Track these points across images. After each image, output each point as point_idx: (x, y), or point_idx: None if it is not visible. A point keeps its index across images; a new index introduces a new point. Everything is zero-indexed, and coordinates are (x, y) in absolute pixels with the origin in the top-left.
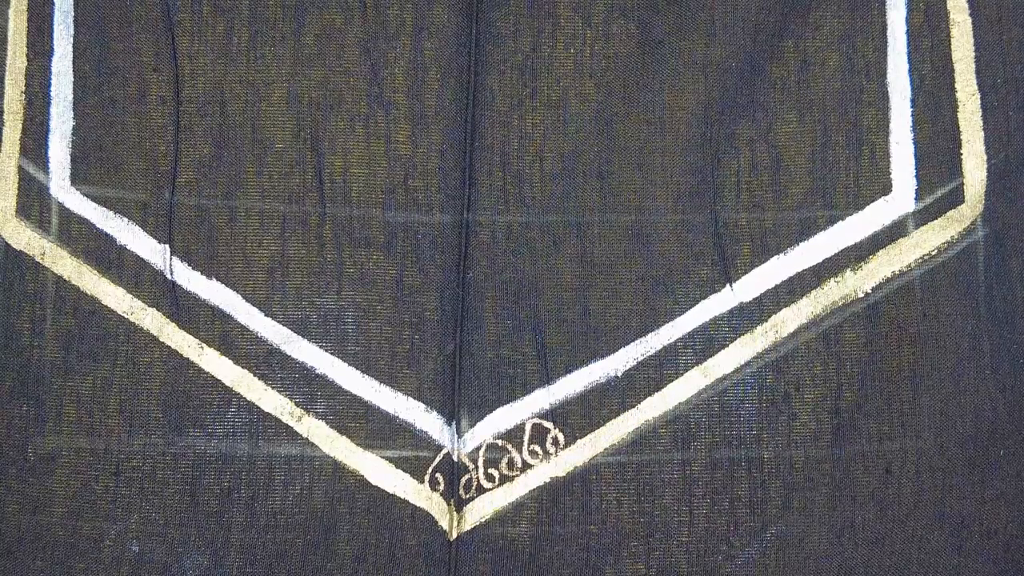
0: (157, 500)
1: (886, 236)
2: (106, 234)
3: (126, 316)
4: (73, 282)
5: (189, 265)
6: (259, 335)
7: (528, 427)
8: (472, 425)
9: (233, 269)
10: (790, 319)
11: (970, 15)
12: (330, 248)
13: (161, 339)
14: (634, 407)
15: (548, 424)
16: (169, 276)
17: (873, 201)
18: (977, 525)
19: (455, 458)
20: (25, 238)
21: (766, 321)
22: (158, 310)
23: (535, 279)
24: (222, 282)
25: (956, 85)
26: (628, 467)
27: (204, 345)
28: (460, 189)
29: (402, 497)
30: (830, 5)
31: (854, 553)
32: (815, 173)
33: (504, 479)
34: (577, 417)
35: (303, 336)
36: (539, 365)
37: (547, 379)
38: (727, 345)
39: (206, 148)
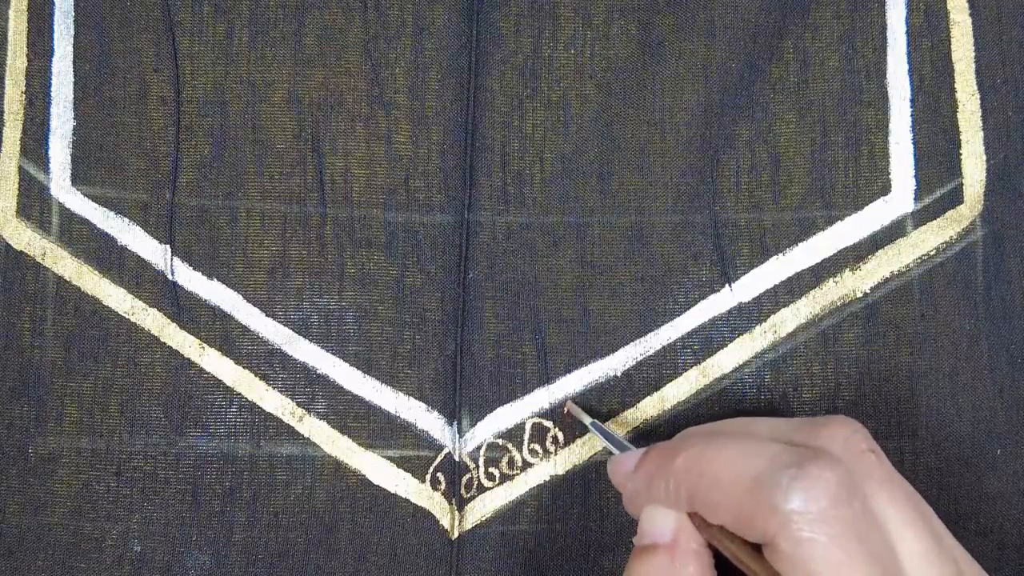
0: (159, 500)
1: (885, 236)
2: (107, 234)
3: (127, 316)
4: (74, 282)
5: (190, 265)
6: (260, 335)
7: (528, 426)
8: (473, 425)
9: (234, 269)
10: (789, 319)
11: (970, 15)
12: (331, 248)
13: (162, 339)
14: (633, 406)
15: (548, 423)
16: (170, 276)
17: (872, 201)
18: (973, 524)
19: (456, 457)
20: (26, 238)
21: (765, 321)
22: (159, 310)
23: (535, 279)
24: (223, 282)
25: (956, 85)
26: None
27: (205, 345)
28: (461, 189)
29: (403, 496)
30: (830, 5)
31: None
32: (814, 173)
33: (504, 478)
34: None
35: (304, 336)
36: (539, 365)
37: (547, 379)
38: (726, 345)
39: (207, 148)
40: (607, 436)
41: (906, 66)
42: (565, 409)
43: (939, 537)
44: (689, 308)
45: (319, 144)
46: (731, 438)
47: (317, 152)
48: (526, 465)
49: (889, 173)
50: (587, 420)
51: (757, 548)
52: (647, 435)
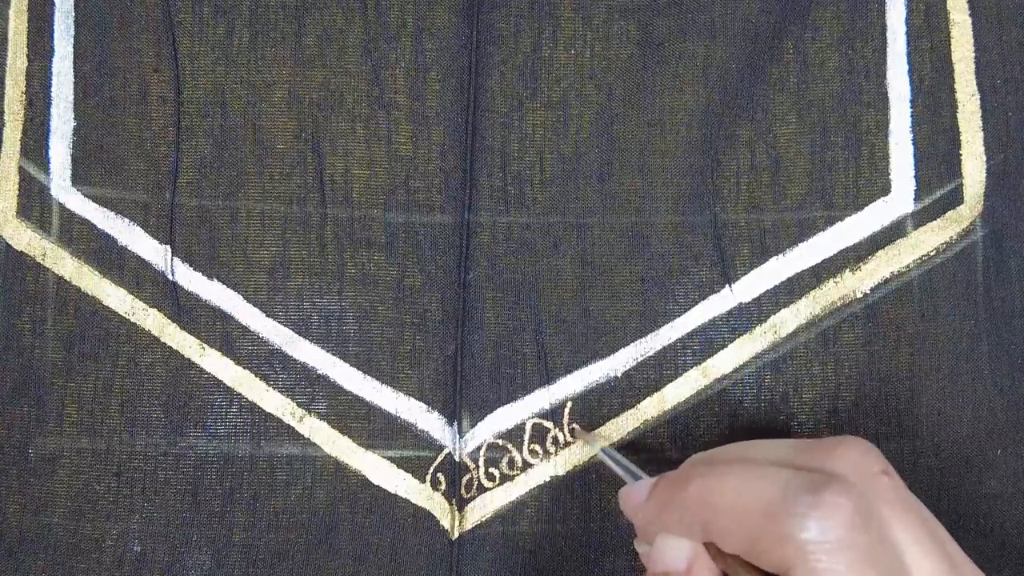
0: (159, 500)
1: (885, 237)
2: (107, 235)
3: (127, 317)
4: (74, 283)
5: (190, 266)
6: (260, 336)
7: (528, 427)
8: (473, 425)
9: (234, 270)
10: (789, 319)
11: (970, 15)
12: (331, 249)
13: (162, 340)
14: (633, 407)
15: (548, 424)
16: (170, 277)
17: (872, 202)
18: (973, 524)
19: (456, 458)
20: (26, 239)
21: (765, 321)
22: (159, 311)
23: (535, 280)
24: (223, 283)
25: (956, 86)
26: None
27: (205, 346)
28: (461, 190)
29: (404, 497)
30: (830, 6)
31: None
32: (814, 174)
33: (505, 478)
34: (577, 417)
35: (304, 337)
36: (539, 365)
37: (547, 379)
38: (726, 345)
39: (207, 149)
40: (617, 462)
41: (906, 66)
42: (567, 419)
43: (952, 560)
44: (689, 309)
45: (319, 144)
46: (742, 465)
47: (317, 152)
48: (526, 465)
49: (889, 173)
50: (597, 446)
51: None
52: (647, 436)
